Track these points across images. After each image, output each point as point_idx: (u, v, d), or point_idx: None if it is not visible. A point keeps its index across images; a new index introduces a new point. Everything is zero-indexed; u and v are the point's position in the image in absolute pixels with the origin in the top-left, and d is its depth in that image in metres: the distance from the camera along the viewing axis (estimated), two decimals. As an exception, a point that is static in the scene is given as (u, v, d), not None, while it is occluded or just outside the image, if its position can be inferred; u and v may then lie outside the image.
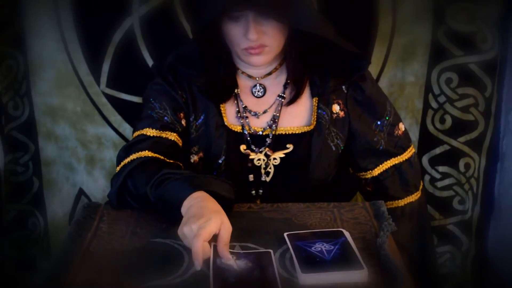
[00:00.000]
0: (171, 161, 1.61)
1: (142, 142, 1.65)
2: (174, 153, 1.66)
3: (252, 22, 1.55)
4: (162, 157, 1.60)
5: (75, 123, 2.22)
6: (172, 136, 1.68)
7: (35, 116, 2.22)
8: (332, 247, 1.33)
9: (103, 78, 2.16)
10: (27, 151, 2.26)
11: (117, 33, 2.09)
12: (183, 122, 1.73)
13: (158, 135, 1.67)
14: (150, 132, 1.67)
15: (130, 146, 1.65)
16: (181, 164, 1.64)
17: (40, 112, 2.21)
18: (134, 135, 1.71)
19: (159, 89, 1.73)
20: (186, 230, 1.29)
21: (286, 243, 1.36)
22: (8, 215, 2.27)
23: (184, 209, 1.37)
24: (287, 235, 1.39)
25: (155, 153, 1.61)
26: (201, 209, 1.33)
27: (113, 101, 2.19)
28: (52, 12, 2.08)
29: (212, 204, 1.36)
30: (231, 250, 1.33)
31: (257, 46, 1.59)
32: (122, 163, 1.61)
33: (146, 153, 1.60)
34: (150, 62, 2.11)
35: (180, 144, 1.71)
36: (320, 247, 1.33)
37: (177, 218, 1.36)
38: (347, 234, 1.39)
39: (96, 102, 2.19)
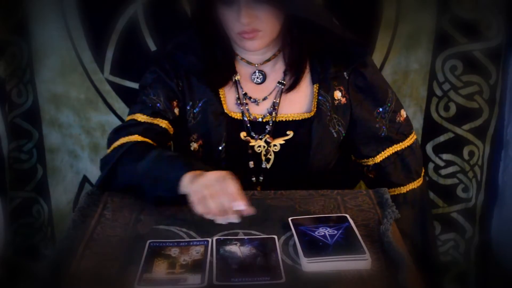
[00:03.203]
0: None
1: (133, 127, 1.67)
2: (164, 140, 1.70)
3: (244, 6, 1.54)
4: (151, 142, 1.64)
5: (79, 111, 2.22)
6: (163, 123, 1.70)
7: (39, 104, 2.22)
8: (336, 231, 1.33)
9: (107, 66, 2.16)
10: (31, 139, 2.26)
11: (121, 20, 2.09)
12: (176, 110, 1.74)
13: (149, 121, 1.69)
14: (141, 117, 1.69)
15: (120, 129, 1.69)
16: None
17: (44, 99, 2.21)
18: (126, 119, 1.74)
19: (154, 77, 1.74)
20: (210, 189, 1.33)
21: (289, 229, 1.37)
22: (12, 203, 2.28)
23: (186, 183, 1.39)
24: (292, 219, 1.39)
25: (145, 138, 1.64)
26: (208, 177, 1.37)
27: (116, 88, 2.19)
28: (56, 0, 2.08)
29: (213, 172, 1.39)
30: (235, 237, 1.34)
31: (250, 31, 1.58)
32: (112, 146, 1.64)
33: (136, 138, 1.63)
34: (153, 49, 2.11)
35: (171, 132, 1.73)
36: (324, 231, 1.33)
37: (160, 197, 1.45)
38: (350, 220, 1.39)
39: (100, 89, 2.19)
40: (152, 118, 1.69)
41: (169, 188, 1.42)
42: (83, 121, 2.24)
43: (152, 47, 2.11)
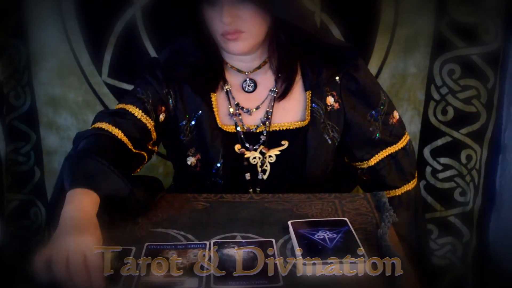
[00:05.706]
0: (137, 151, 1.60)
1: (123, 117, 1.62)
2: (147, 140, 1.65)
3: (226, 5, 1.52)
4: (129, 144, 1.58)
5: (77, 113, 2.22)
6: (150, 125, 1.65)
7: (37, 106, 2.22)
8: (335, 235, 1.33)
9: (105, 68, 2.16)
10: (29, 141, 2.26)
11: (119, 23, 2.10)
12: (162, 116, 1.70)
13: (140, 117, 1.64)
14: (134, 110, 1.64)
15: (108, 114, 1.62)
16: (145, 154, 1.64)
17: (42, 102, 2.21)
18: (117, 107, 1.67)
19: (146, 80, 1.70)
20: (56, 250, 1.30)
21: (287, 232, 1.36)
22: (9, 205, 2.28)
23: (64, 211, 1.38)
24: (291, 223, 1.39)
25: (126, 135, 1.58)
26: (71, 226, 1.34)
27: (114, 91, 2.19)
28: (54, 2, 2.09)
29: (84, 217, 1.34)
30: (232, 240, 1.33)
31: (233, 31, 1.55)
32: (94, 125, 1.59)
33: (117, 133, 1.56)
34: (151, 52, 2.12)
35: (153, 136, 1.68)
36: (323, 235, 1.33)
37: None
38: (350, 224, 1.39)
39: (97, 92, 2.19)
40: (144, 115, 1.64)
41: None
42: (80, 123, 2.23)
43: (150, 49, 2.12)
